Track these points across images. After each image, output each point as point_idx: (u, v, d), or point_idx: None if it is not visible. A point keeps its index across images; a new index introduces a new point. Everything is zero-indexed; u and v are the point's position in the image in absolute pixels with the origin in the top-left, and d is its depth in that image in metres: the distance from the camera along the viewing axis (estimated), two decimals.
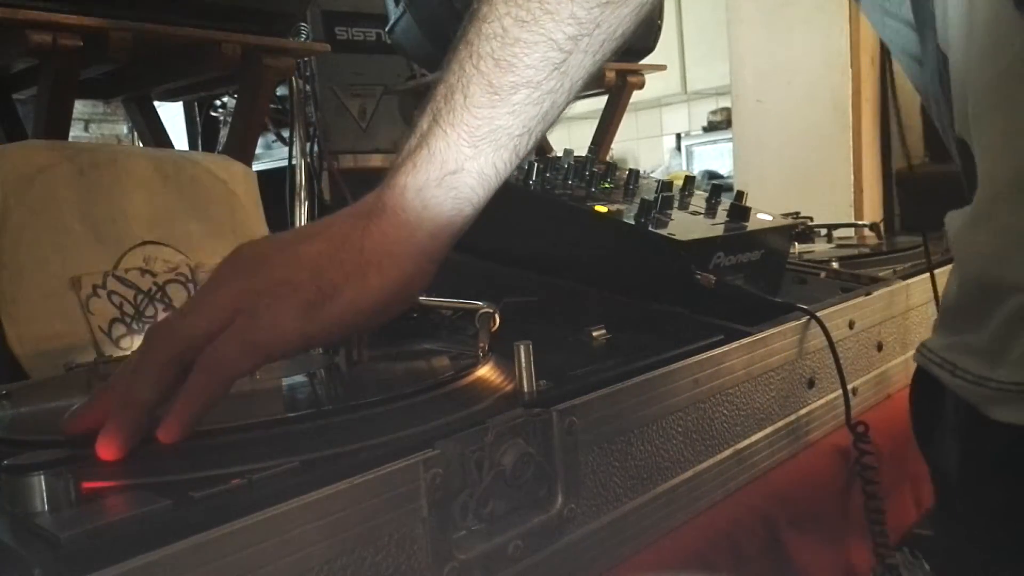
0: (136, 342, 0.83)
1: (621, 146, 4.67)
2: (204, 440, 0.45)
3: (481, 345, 0.62)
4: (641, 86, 1.74)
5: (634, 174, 0.94)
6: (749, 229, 0.83)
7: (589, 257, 0.81)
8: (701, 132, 4.65)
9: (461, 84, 0.48)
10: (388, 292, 0.47)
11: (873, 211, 2.15)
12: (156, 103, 1.41)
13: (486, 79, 0.47)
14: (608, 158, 1.50)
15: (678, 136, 4.81)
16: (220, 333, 0.44)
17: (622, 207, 0.82)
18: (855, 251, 1.32)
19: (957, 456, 0.50)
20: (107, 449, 0.42)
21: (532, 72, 0.48)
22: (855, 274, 1.02)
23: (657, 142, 4.96)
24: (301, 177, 1.74)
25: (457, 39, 0.49)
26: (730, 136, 2.89)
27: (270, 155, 1.93)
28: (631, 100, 1.76)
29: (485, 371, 0.57)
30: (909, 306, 0.96)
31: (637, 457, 0.58)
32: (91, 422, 0.43)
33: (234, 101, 1.53)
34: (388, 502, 0.41)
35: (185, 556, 0.34)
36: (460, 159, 0.48)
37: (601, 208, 0.80)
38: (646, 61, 1.72)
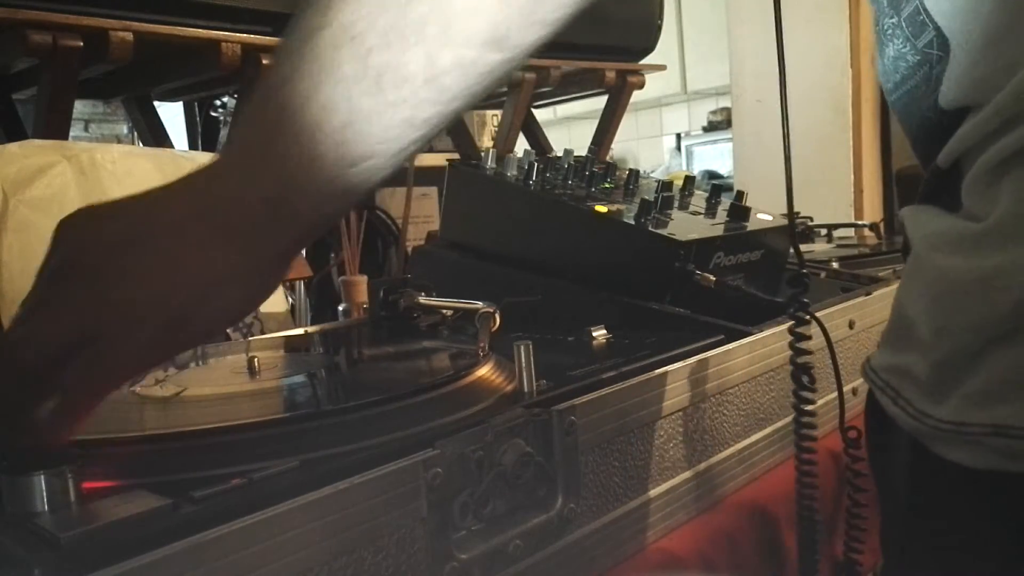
0: None
1: (621, 146, 4.67)
2: (204, 440, 0.45)
3: (481, 345, 0.62)
4: (641, 86, 1.74)
5: (634, 174, 0.94)
6: (749, 229, 0.83)
7: (589, 257, 0.81)
8: (701, 132, 4.65)
9: (306, 136, 0.40)
10: (239, 308, 0.43)
11: (873, 211, 2.15)
12: (156, 103, 1.41)
13: (338, 149, 0.40)
14: (608, 158, 1.50)
15: (678, 136, 4.82)
16: (71, 355, 0.40)
17: (622, 207, 0.82)
18: (855, 251, 1.32)
19: (906, 486, 0.48)
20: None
21: (388, 146, 0.41)
22: (855, 274, 1.02)
23: (657, 142, 4.96)
24: None
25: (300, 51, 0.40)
26: (730, 136, 2.89)
27: None
28: (631, 100, 1.76)
29: (485, 371, 0.57)
30: None
31: (637, 457, 0.58)
32: None
33: (234, 101, 1.53)
34: (388, 502, 0.41)
35: (185, 556, 0.34)
36: (305, 206, 0.41)
37: (601, 208, 0.80)
38: (646, 61, 1.72)
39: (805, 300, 0.66)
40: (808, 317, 0.67)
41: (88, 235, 0.42)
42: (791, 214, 0.68)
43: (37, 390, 0.41)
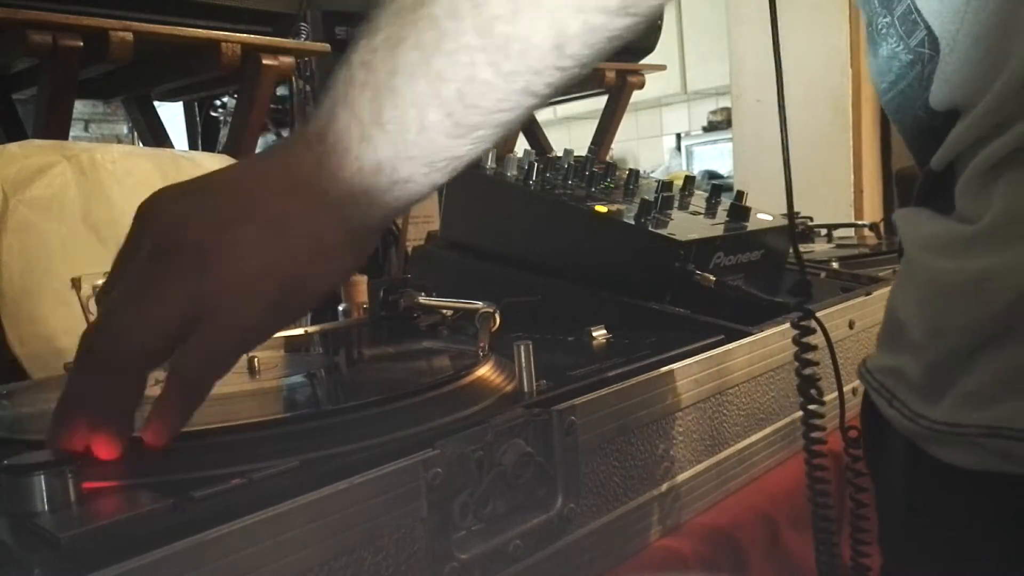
0: None
1: (621, 146, 4.67)
2: (204, 440, 0.45)
3: (481, 345, 0.62)
4: (641, 86, 1.74)
5: (634, 174, 0.94)
6: (749, 229, 0.83)
7: (589, 257, 0.81)
8: (701, 132, 4.65)
9: (417, 107, 0.39)
10: (345, 273, 0.44)
11: (873, 211, 2.15)
12: (156, 103, 1.41)
13: (450, 118, 0.39)
14: (608, 158, 1.50)
15: (678, 136, 4.82)
16: (178, 340, 0.40)
17: (622, 207, 0.82)
18: (855, 251, 1.32)
19: (903, 488, 0.48)
20: (108, 452, 0.41)
21: (501, 116, 0.40)
22: (855, 274, 1.02)
23: (657, 142, 4.96)
24: None
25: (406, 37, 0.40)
26: (730, 136, 2.89)
27: None
28: (631, 100, 1.76)
29: (485, 371, 0.57)
30: None
31: (637, 457, 0.58)
32: (76, 443, 0.41)
33: (234, 101, 1.53)
34: (388, 502, 0.41)
35: (185, 556, 0.34)
36: (412, 174, 0.41)
37: (601, 208, 0.80)
38: (646, 61, 1.72)
39: (810, 308, 0.66)
40: (814, 324, 0.67)
41: (184, 214, 0.40)
42: (791, 214, 0.68)
43: (138, 386, 0.40)
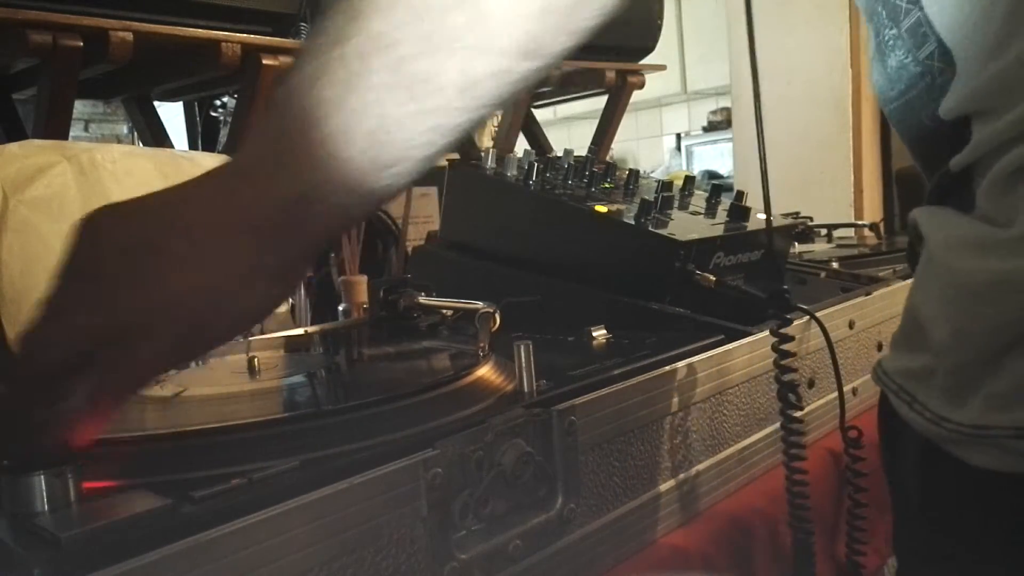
0: None
1: (621, 146, 4.67)
2: (204, 440, 0.45)
3: (481, 345, 0.62)
4: (641, 86, 1.74)
5: (634, 174, 0.94)
6: (749, 229, 0.83)
7: (589, 257, 0.81)
8: (701, 132, 4.65)
9: (334, 141, 0.39)
10: (271, 302, 0.43)
11: (873, 211, 2.15)
12: (156, 103, 1.41)
13: (365, 154, 0.40)
14: (608, 158, 1.50)
15: (678, 136, 4.82)
16: (96, 351, 0.39)
17: (622, 207, 0.82)
18: (855, 251, 1.32)
19: (921, 491, 0.48)
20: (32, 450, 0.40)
21: (416, 152, 0.41)
22: (855, 274, 1.02)
23: (657, 142, 4.96)
24: None
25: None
26: (730, 136, 2.89)
27: None
28: (631, 100, 1.76)
29: (485, 371, 0.57)
30: None
31: (637, 457, 0.58)
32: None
33: (234, 101, 1.53)
34: (388, 502, 0.41)
35: (185, 556, 0.34)
36: (334, 206, 0.41)
37: (601, 208, 0.80)
38: (646, 61, 1.72)
39: (788, 317, 0.66)
40: (808, 317, 0.67)
41: (105, 236, 0.41)
42: (768, 218, 0.68)
43: (48, 393, 0.40)
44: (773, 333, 0.65)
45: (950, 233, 0.44)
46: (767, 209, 0.67)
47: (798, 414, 0.64)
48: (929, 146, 0.47)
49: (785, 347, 0.64)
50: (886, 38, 0.47)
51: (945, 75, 0.44)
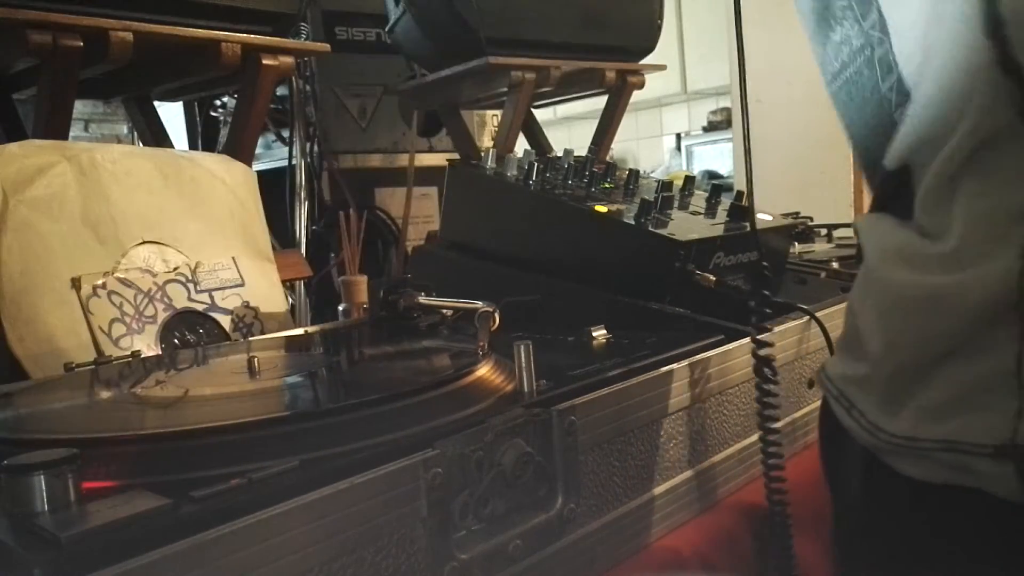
0: (136, 342, 0.83)
1: (621, 146, 4.67)
2: (204, 440, 0.45)
3: (481, 345, 0.62)
4: (641, 86, 1.73)
5: (634, 174, 0.94)
6: (749, 229, 0.83)
7: (589, 257, 0.81)
8: (701, 132, 4.65)
9: None
10: None
11: None
12: (156, 103, 1.40)
13: None
14: (608, 158, 1.50)
15: (678, 136, 4.81)
16: None
17: (622, 207, 0.82)
18: (855, 251, 1.32)
19: (859, 496, 0.48)
20: None
21: None
22: (855, 274, 1.02)
23: (657, 142, 4.95)
24: (301, 177, 1.74)
25: None
26: (730, 136, 2.89)
27: (270, 155, 1.93)
28: (631, 100, 1.76)
29: (485, 371, 0.57)
30: None
31: (637, 457, 0.58)
32: None
33: (234, 101, 1.53)
34: (388, 502, 0.41)
35: (185, 556, 0.34)
36: None
37: (601, 208, 0.80)
38: (646, 61, 1.71)
39: (767, 326, 0.65)
40: (808, 317, 0.67)
41: None
42: (752, 219, 0.68)
43: None
44: (753, 340, 0.64)
45: (885, 244, 0.44)
46: (751, 211, 0.67)
47: (771, 388, 0.64)
48: (872, 130, 0.46)
49: (764, 352, 0.64)
50: (835, 10, 0.47)
51: (883, 46, 0.44)
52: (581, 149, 1.00)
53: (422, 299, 0.79)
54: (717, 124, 4.46)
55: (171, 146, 1.40)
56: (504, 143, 1.49)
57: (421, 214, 1.81)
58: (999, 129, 0.38)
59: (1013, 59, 0.37)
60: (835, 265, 1.06)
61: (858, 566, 0.49)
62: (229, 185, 1.02)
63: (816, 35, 0.50)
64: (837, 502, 0.52)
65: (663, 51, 1.74)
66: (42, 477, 0.37)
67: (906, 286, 0.42)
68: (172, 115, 1.84)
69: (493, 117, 2.02)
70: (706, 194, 0.93)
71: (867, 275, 0.46)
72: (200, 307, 0.91)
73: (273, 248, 1.07)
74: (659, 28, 1.67)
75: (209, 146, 1.82)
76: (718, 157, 4.38)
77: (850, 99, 0.48)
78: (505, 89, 1.47)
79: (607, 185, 0.91)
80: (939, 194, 0.40)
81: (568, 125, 4.04)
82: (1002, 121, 0.38)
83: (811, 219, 1.45)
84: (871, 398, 0.44)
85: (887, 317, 0.43)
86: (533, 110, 1.73)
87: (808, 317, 0.76)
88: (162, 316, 0.87)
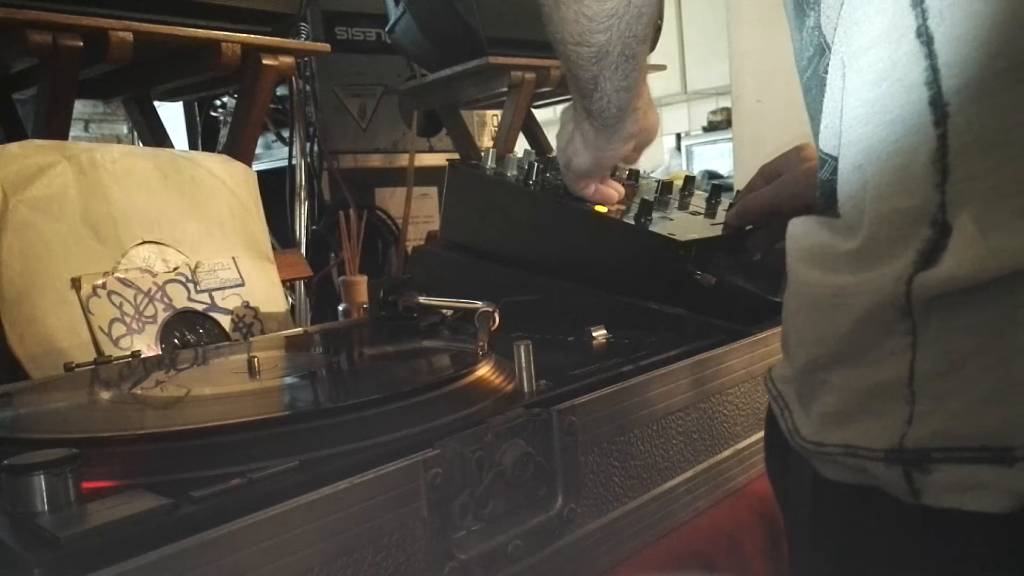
0: (136, 342, 0.83)
1: None
2: (204, 440, 0.45)
3: (481, 344, 0.62)
4: None
5: (634, 174, 0.94)
6: (749, 229, 0.83)
7: (589, 257, 0.81)
8: (701, 132, 4.65)
9: None
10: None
11: None
12: (156, 103, 1.41)
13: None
14: None
15: (678, 136, 4.82)
16: None
17: (622, 207, 0.82)
18: None
19: (798, 495, 0.47)
20: None
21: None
22: None
23: (657, 142, 4.95)
24: (301, 177, 1.74)
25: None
26: (730, 136, 2.88)
27: (270, 155, 1.93)
28: None
29: (485, 371, 0.57)
30: None
31: (637, 457, 0.58)
32: None
33: (234, 101, 1.53)
34: (388, 502, 0.41)
35: (185, 556, 0.34)
36: None
37: (601, 208, 0.80)
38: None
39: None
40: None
41: None
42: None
43: None
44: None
45: (802, 243, 0.44)
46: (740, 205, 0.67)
47: None
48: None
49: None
50: None
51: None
52: None
53: (422, 299, 0.79)
54: (717, 124, 4.46)
55: (171, 146, 1.40)
56: (504, 143, 1.49)
57: (421, 214, 1.81)
58: None
59: (927, 31, 0.36)
60: None
61: (803, 559, 0.49)
62: (229, 185, 1.02)
63: (794, 21, 0.49)
64: (779, 500, 0.52)
65: (663, 51, 1.74)
66: (42, 477, 0.37)
67: (812, 285, 0.41)
68: (172, 115, 1.84)
69: (493, 117, 2.02)
70: (706, 194, 0.93)
71: (788, 274, 0.45)
72: (200, 307, 0.91)
73: (273, 248, 1.07)
74: (659, 28, 1.67)
75: (209, 146, 1.82)
76: (718, 157, 4.39)
77: (815, 92, 0.48)
78: (505, 89, 1.47)
79: None
80: (852, 187, 0.40)
81: None
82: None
83: None
84: (793, 398, 0.44)
85: (797, 316, 0.43)
86: (533, 110, 1.73)
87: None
88: (162, 316, 0.87)
